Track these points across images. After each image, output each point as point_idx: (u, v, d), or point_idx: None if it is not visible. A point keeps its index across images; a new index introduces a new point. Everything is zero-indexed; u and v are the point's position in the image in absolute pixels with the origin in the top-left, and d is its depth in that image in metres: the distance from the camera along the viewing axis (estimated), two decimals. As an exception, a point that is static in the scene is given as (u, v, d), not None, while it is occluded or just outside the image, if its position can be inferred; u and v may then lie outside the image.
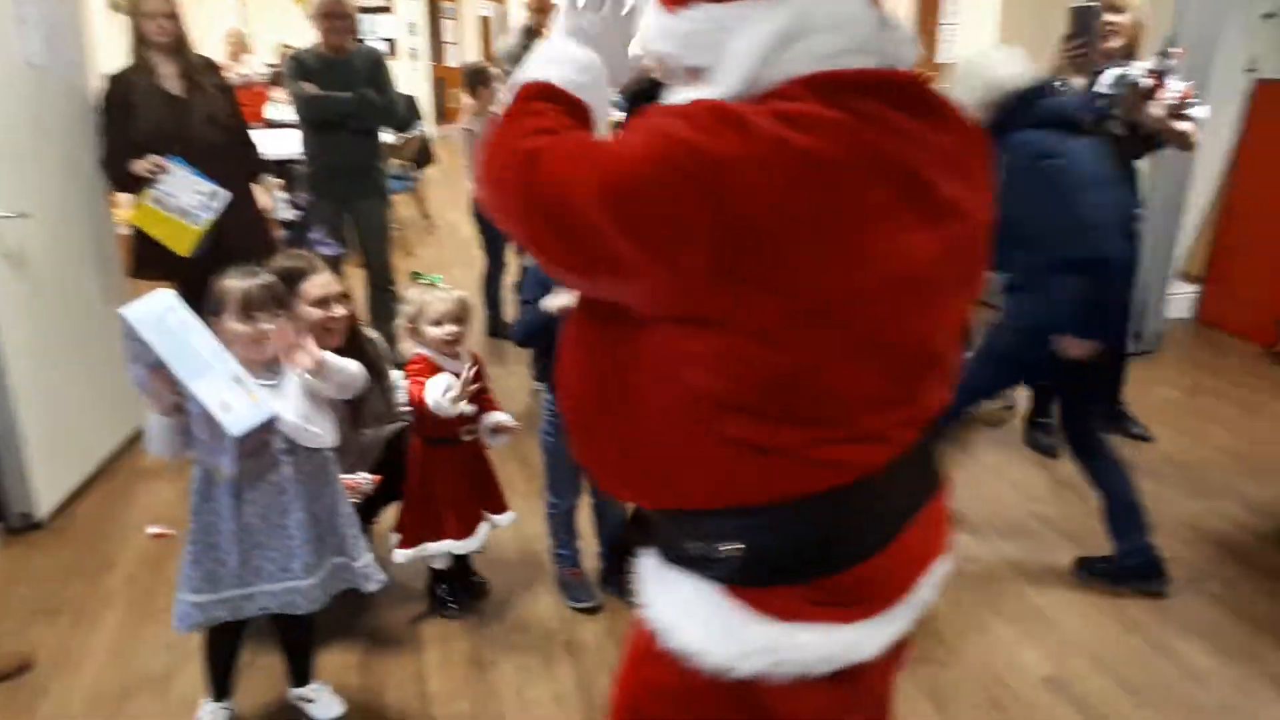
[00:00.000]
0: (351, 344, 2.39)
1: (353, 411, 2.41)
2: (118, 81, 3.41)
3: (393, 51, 11.75)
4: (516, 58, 5.63)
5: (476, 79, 4.85)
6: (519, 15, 10.28)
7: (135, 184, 3.40)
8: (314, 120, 4.17)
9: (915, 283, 1.00)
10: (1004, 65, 2.63)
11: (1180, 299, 5.11)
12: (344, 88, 4.10)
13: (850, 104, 0.96)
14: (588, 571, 2.79)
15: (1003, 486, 3.44)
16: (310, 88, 4.09)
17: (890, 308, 0.99)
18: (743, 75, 1.00)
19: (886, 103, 0.99)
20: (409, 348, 2.51)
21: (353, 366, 2.10)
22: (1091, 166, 2.57)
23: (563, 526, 2.74)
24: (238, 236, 3.44)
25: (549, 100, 1.08)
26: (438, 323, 2.43)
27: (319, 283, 2.31)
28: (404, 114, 4.97)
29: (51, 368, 3.18)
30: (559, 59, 1.12)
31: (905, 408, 1.07)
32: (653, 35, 1.09)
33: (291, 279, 2.23)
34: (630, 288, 1.01)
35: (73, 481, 3.35)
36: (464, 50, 12.66)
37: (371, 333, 2.68)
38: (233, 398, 1.81)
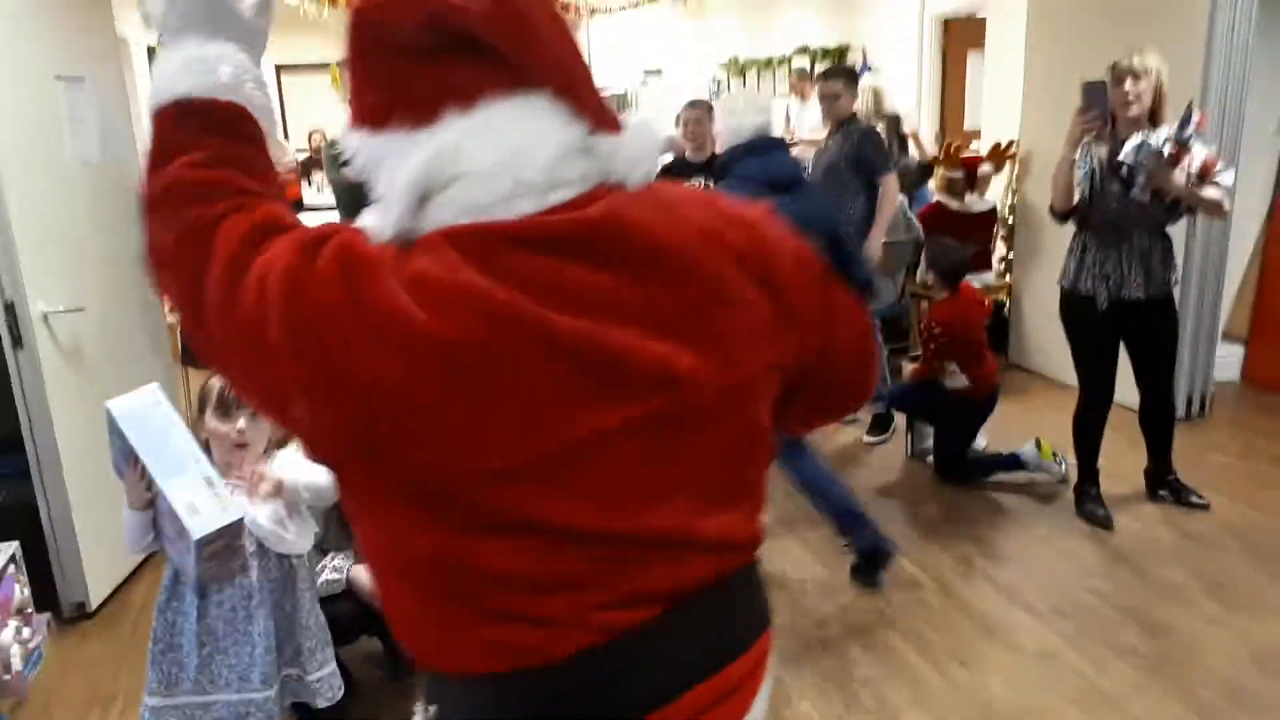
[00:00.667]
0: None
1: None
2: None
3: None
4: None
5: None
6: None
7: None
8: (353, 206, 4.28)
9: (570, 462, 0.84)
10: (748, 114, 3.02)
11: (1226, 360, 5.04)
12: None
13: (498, 261, 0.82)
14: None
15: (1056, 560, 3.37)
16: (351, 174, 4.20)
17: (529, 492, 0.84)
18: (393, 219, 0.85)
19: (560, 255, 0.83)
20: None
21: (321, 479, 2.00)
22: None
23: None
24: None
25: (199, 124, 0.92)
26: None
27: None
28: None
29: (102, 457, 3.22)
30: (188, 65, 0.93)
31: (593, 593, 0.88)
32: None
33: None
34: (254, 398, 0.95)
35: (123, 571, 3.38)
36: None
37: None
38: (202, 500, 1.76)
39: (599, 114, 0.89)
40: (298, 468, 2.04)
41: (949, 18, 8.10)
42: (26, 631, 2.79)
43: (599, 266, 0.85)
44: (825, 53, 9.20)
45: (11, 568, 2.77)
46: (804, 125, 8.34)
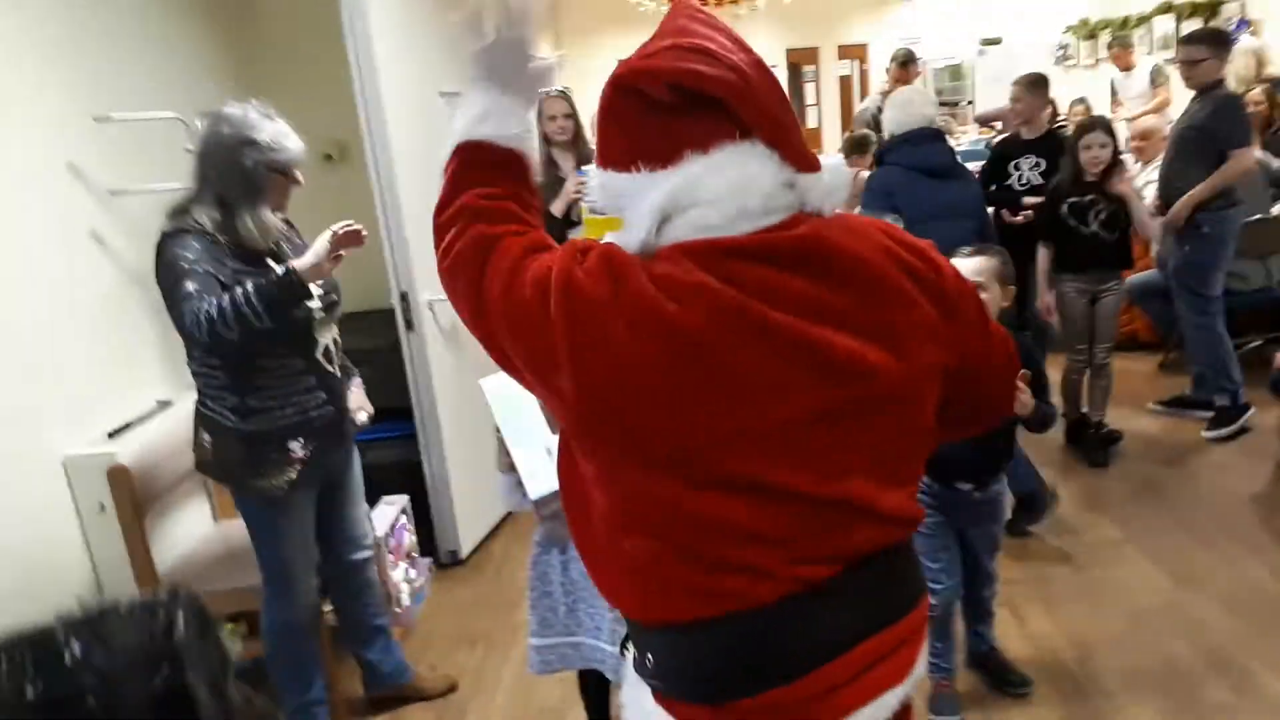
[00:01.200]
0: None
1: None
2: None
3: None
4: (873, 120, 5.69)
5: (855, 148, 5.03)
6: (879, 76, 10.34)
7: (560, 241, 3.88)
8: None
9: (783, 434, 1.04)
10: (921, 107, 3.62)
11: None
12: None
13: (724, 268, 1.03)
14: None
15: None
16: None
17: (751, 456, 1.04)
18: (639, 236, 1.07)
19: (773, 265, 1.05)
20: None
21: None
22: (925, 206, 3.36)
23: (940, 627, 2.54)
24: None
25: (489, 161, 1.18)
26: None
27: None
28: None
29: (472, 427, 3.69)
30: (489, 113, 1.20)
31: (792, 547, 1.07)
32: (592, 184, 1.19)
33: None
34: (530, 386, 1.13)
35: (486, 526, 3.84)
36: (824, 112, 12.90)
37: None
38: (539, 467, 2.03)
39: (801, 158, 1.09)
40: None
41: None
42: (413, 573, 3.27)
43: (805, 275, 1.06)
44: (1194, 8, 8.17)
45: (403, 517, 3.26)
46: (1129, 95, 7.59)
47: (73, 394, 2.73)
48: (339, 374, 2.44)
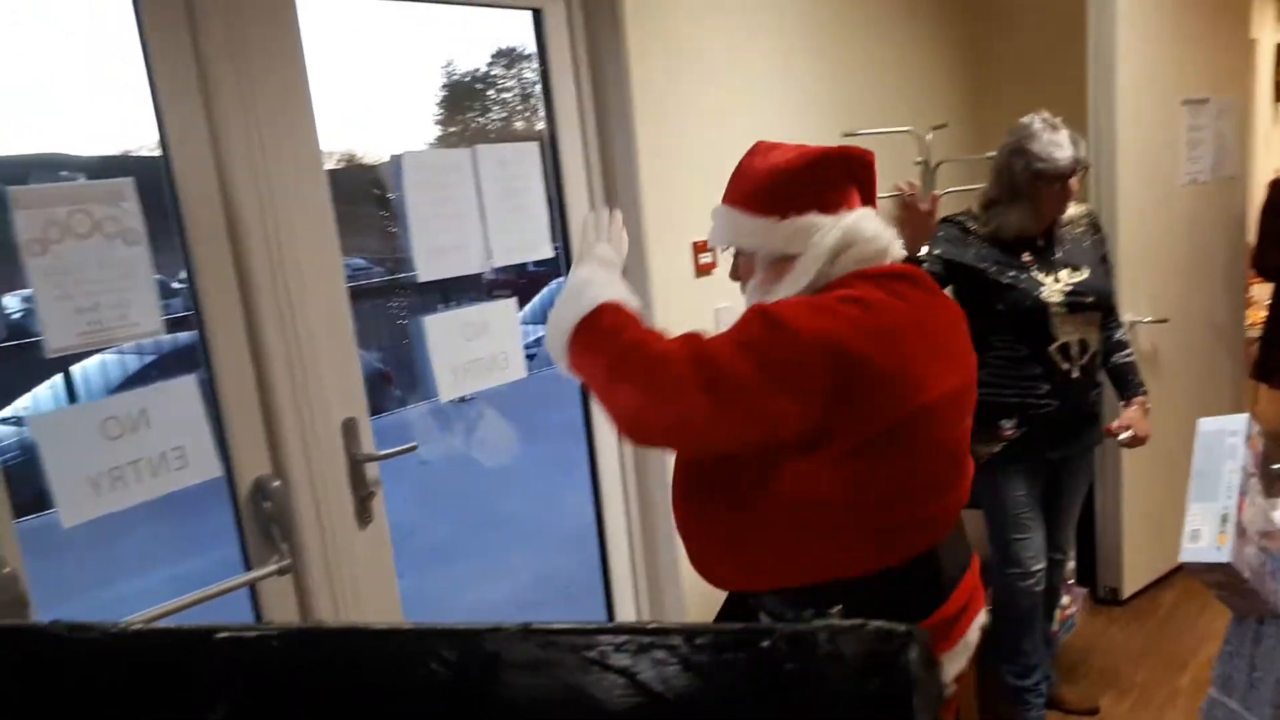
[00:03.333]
0: None
1: None
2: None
3: None
4: None
5: None
6: None
7: None
8: None
9: (950, 403, 1.45)
10: None
11: None
12: None
13: (892, 288, 1.43)
14: None
15: None
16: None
17: (941, 419, 1.44)
18: (815, 270, 1.48)
19: (910, 286, 1.47)
20: None
21: None
22: None
23: None
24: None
25: (624, 313, 1.45)
26: None
27: None
28: None
29: (1159, 461, 3.39)
30: (610, 283, 1.51)
31: (952, 493, 1.52)
32: (738, 234, 1.57)
33: None
34: (764, 429, 1.37)
35: (1156, 571, 3.52)
36: None
37: None
38: (1207, 529, 1.84)
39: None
40: None
41: None
42: (1065, 599, 3.16)
43: (926, 294, 1.49)
44: None
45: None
46: None
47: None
48: (1080, 375, 2.52)
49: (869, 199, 1.55)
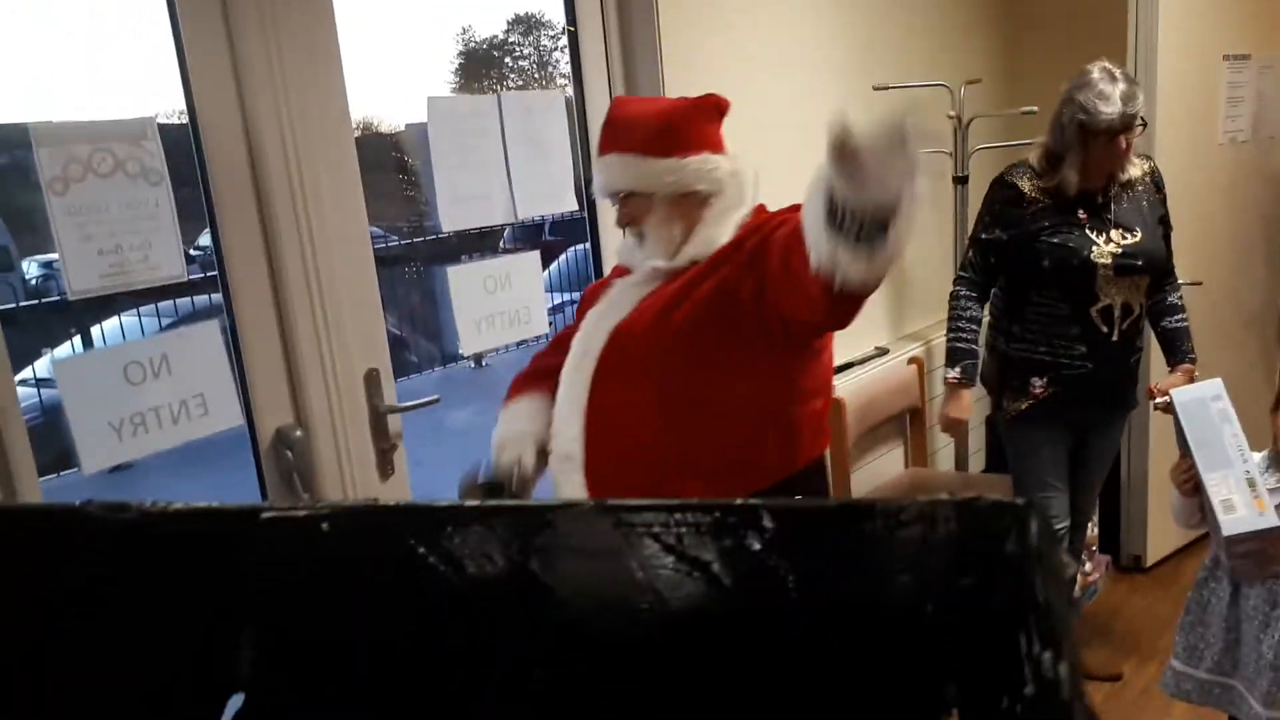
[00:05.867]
0: None
1: None
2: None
3: None
4: None
5: None
6: None
7: None
8: None
9: None
10: None
11: None
12: None
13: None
14: None
15: None
16: None
17: None
18: (749, 196, 1.66)
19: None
20: None
21: None
22: None
23: None
24: None
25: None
26: None
27: None
28: None
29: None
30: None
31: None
32: (639, 178, 1.63)
33: None
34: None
35: (1182, 538, 3.48)
36: None
37: None
38: (1239, 498, 1.83)
39: None
40: None
41: None
42: (1088, 566, 3.13)
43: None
44: None
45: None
46: None
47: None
48: (1119, 338, 2.47)
49: None
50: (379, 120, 6.21)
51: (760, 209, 1.67)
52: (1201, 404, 1.95)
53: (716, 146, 1.64)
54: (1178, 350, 2.56)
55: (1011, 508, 0.44)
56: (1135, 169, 2.50)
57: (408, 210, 7.52)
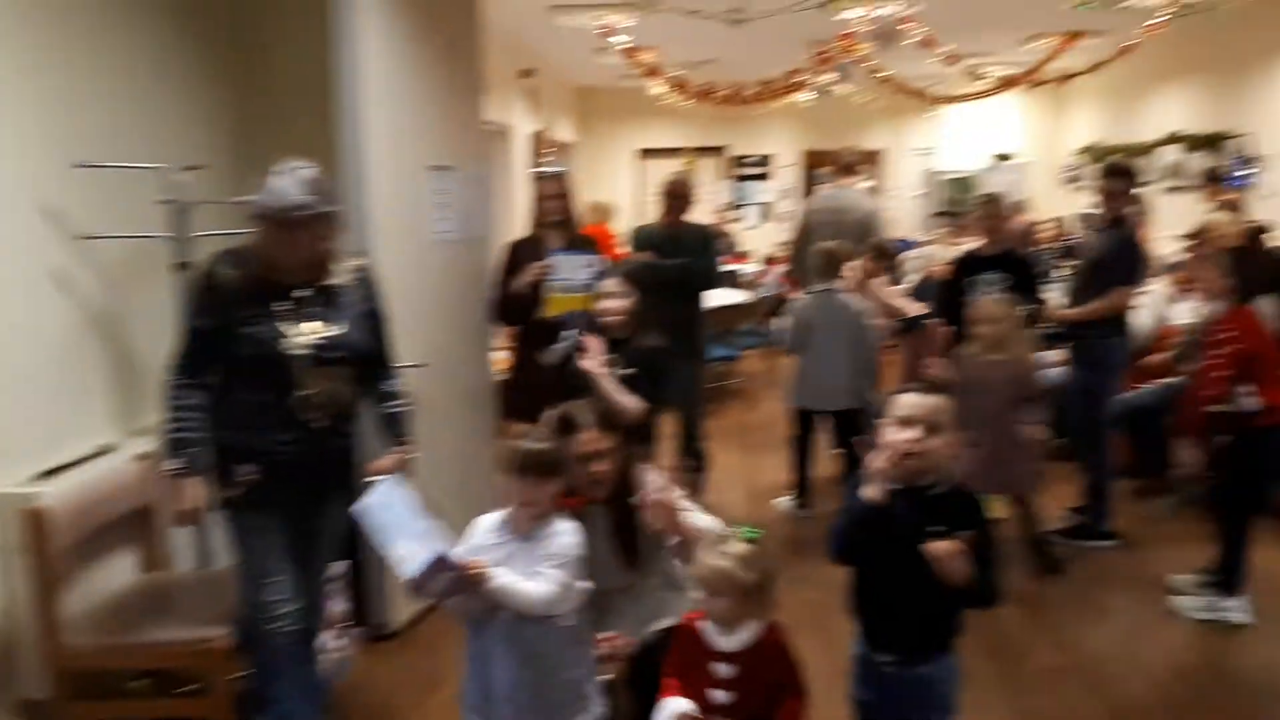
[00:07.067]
0: (619, 495, 2.54)
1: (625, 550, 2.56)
2: (514, 247, 4.04)
3: (766, 216, 13.00)
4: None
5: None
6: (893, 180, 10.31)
7: (520, 317, 3.94)
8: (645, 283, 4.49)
9: None
10: None
11: None
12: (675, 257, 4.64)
13: None
14: None
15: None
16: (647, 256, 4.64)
17: None
18: None
19: None
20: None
21: (534, 593, 2.22)
22: None
23: None
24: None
25: None
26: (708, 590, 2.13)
27: (582, 440, 2.50)
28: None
29: (434, 494, 3.63)
30: None
31: None
32: None
33: (569, 428, 2.50)
34: None
35: (424, 601, 3.76)
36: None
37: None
38: (411, 551, 2.19)
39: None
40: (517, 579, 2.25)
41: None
42: (340, 642, 3.18)
43: None
44: (1200, 141, 8.21)
45: (338, 585, 3.19)
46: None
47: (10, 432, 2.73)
48: (326, 424, 2.53)
49: None
50: None
51: None
52: (374, 505, 2.37)
53: None
54: (390, 435, 2.73)
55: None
56: (346, 263, 2.63)
57: None
